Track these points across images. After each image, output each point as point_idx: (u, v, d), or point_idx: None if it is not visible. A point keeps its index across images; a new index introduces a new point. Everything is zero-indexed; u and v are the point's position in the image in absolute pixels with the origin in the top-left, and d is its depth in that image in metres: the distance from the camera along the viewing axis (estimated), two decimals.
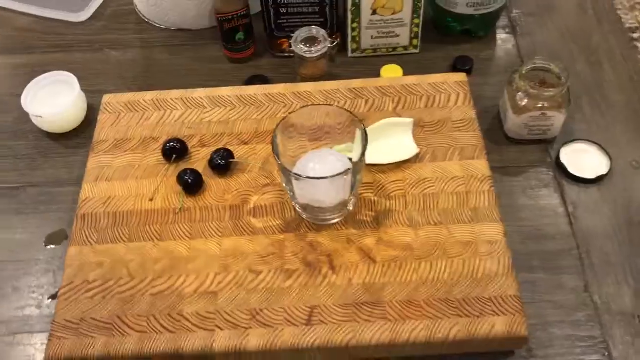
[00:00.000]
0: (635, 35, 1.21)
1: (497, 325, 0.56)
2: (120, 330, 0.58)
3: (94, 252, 0.63)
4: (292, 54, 0.78)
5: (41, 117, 0.75)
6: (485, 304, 0.58)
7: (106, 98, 0.76)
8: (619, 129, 0.74)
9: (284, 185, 0.62)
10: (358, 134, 0.60)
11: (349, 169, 0.56)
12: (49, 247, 0.69)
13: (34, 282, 0.67)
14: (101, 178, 0.69)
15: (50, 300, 0.65)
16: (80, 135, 0.78)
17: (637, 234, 0.66)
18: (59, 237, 0.70)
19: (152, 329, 0.58)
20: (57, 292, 0.64)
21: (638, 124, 0.75)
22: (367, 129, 0.62)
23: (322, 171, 0.58)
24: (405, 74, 0.79)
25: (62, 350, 0.57)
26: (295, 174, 0.56)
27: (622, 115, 0.76)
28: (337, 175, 0.56)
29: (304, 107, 0.60)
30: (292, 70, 0.81)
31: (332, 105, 0.61)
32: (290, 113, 0.59)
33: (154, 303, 0.59)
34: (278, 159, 0.58)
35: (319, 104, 0.61)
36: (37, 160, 0.77)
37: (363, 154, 0.57)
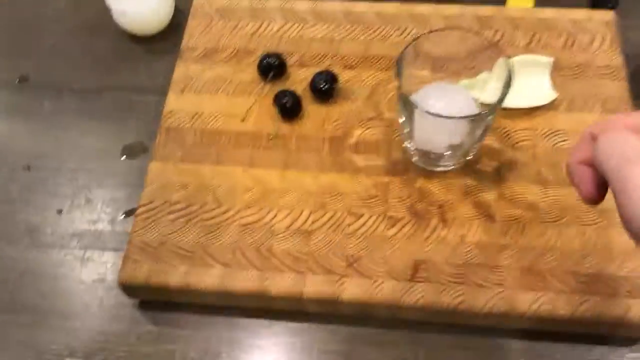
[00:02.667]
0: None
1: (632, 309, 0.48)
2: (203, 261, 0.52)
3: (177, 171, 0.57)
4: None
5: (124, 12, 0.68)
6: (620, 283, 0.50)
7: (197, 1, 0.68)
8: None
9: (400, 120, 0.54)
10: (500, 69, 0.50)
11: (490, 110, 0.48)
12: (124, 158, 0.63)
13: (108, 195, 0.61)
14: (189, 89, 0.62)
15: (124, 216, 0.60)
16: (165, 40, 0.70)
17: None
18: (136, 150, 0.64)
19: (238, 264, 0.52)
20: (133, 209, 0.59)
21: None
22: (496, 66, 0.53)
23: (449, 109, 0.49)
24: (536, 4, 0.68)
25: (138, 274, 0.52)
26: (425, 110, 0.48)
27: None
28: (476, 115, 0.48)
29: (438, 30, 0.51)
30: None
31: (476, 32, 0.51)
32: (422, 35, 0.50)
33: (242, 235, 0.53)
34: (400, 87, 0.49)
35: (459, 28, 0.52)
36: (117, 62, 0.70)
37: (504, 95, 0.48)
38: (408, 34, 0.63)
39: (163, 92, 0.63)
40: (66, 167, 0.63)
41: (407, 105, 0.49)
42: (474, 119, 0.48)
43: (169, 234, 0.54)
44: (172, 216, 0.54)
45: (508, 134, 0.57)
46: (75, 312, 0.55)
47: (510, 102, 0.57)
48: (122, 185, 0.62)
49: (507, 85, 0.47)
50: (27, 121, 0.67)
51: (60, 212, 0.61)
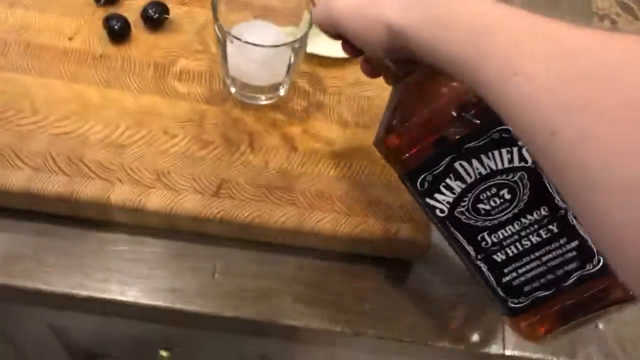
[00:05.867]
0: None
1: (402, 230, 0.56)
2: (11, 163, 0.53)
3: None
4: None
5: None
6: (395, 210, 0.57)
7: None
8: None
9: (218, 51, 0.58)
10: (306, 15, 0.56)
11: (290, 42, 0.54)
12: None
13: None
14: (17, 4, 0.62)
15: None
16: None
17: None
18: None
19: (48, 169, 0.54)
20: None
21: None
22: None
23: (260, 40, 0.54)
24: None
25: None
26: (233, 36, 0.53)
27: None
28: (276, 46, 0.53)
29: None
30: None
31: None
32: None
33: (54, 143, 0.55)
34: (216, 17, 0.54)
35: None
36: None
37: (306, 34, 0.54)
38: None
39: None
40: None
41: (220, 32, 0.54)
42: (275, 48, 0.54)
43: None
44: None
45: (320, 80, 0.63)
46: None
47: (322, 50, 0.63)
48: None
49: (308, 27, 0.54)
50: None
51: None
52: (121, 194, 0.54)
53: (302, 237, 0.56)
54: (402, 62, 0.41)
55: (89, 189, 0.53)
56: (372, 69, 0.48)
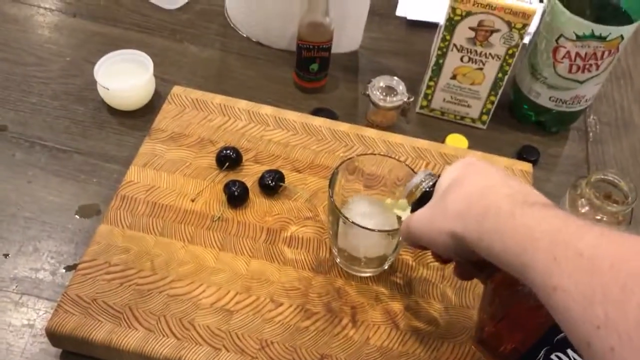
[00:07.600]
0: None
1: None
2: (128, 322, 0.56)
3: (123, 236, 0.62)
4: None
5: (108, 89, 0.75)
6: None
7: (176, 89, 0.76)
8: None
9: (328, 223, 0.61)
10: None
11: (398, 229, 0.55)
12: (77, 217, 0.68)
13: (55, 248, 0.66)
14: (150, 165, 0.68)
15: (65, 270, 0.64)
16: (140, 118, 0.77)
17: None
18: (90, 211, 0.69)
19: (160, 330, 0.56)
20: (74, 264, 0.63)
21: None
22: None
23: (370, 222, 0.56)
24: (469, 147, 0.78)
25: (66, 324, 0.56)
26: (344, 217, 0.55)
27: None
28: (386, 231, 0.55)
29: (372, 153, 0.59)
30: (360, 111, 0.81)
31: (402, 161, 0.60)
32: (358, 155, 0.58)
33: (168, 304, 0.58)
34: (332, 195, 0.57)
35: (388, 156, 0.60)
36: (91, 129, 0.77)
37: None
38: (354, 152, 0.72)
39: (127, 164, 0.69)
40: (22, 215, 0.68)
41: (334, 211, 0.56)
42: (387, 234, 0.55)
43: (103, 292, 0.58)
44: (109, 276, 0.59)
45: (423, 255, 0.64)
46: None
47: None
48: (71, 241, 0.66)
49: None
50: None
51: (6, 255, 0.64)
52: None
53: None
54: (485, 264, 0.45)
55: (196, 355, 0.55)
56: (463, 273, 0.53)
